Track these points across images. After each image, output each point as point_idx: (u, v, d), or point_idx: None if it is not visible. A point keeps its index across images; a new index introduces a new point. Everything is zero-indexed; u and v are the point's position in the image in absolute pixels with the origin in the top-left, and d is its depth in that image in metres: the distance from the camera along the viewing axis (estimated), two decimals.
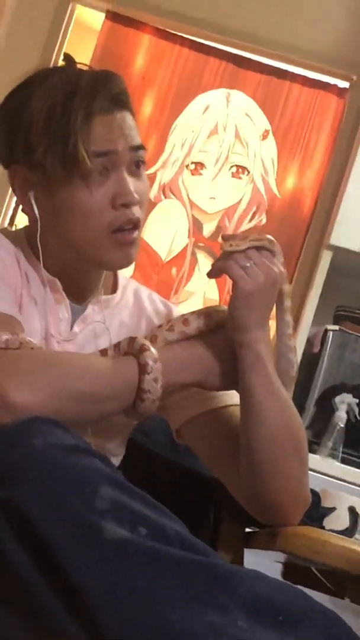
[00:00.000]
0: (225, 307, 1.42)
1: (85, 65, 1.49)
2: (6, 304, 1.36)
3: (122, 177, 1.40)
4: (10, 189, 3.90)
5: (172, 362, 1.37)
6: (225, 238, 1.38)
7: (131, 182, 1.41)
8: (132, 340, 1.37)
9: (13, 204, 3.87)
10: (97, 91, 1.39)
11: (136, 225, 1.42)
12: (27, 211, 1.46)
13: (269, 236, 1.41)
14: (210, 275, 1.42)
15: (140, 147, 1.44)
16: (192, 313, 1.45)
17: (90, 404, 1.30)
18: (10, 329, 1.30)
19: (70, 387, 1.27)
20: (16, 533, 1.01)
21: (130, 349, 1.36)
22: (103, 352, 1.39)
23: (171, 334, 1.42)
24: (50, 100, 1.39)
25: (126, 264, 1.47)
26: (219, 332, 1.42)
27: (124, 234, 1.41)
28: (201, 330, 1.43)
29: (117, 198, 1.40)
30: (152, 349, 1.34)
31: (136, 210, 1.42)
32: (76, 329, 1.49)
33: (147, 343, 1.35)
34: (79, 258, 1.45)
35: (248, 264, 1.36)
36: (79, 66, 1.48)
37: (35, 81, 1.44)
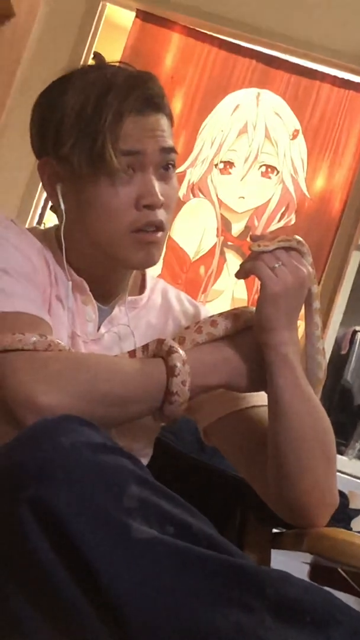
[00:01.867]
0: (253, 308, 1.41)
1: (125, 63, 1.48)
2: (34, 305, 1.36)
3: (148, 178, 1.40)
4: (40, 187, 3.91)
5: (200, 364, 1.36)
6: (254, 239, 1.38)
7: (157, 185, 1.41)
8: (160, 342, 1.36)
9: (42, 203, 3.88)
10: (131, 91, 1.39)
11: (159, 227, 1.42)
12: (54, 203, 1.47)
13: (298, 237, 1.40)
14: (238, 276, 1.42)
15: (171, 150, 1.43)
16: (220, 314, 1.44)
17: (118, 407, 1.29)
18: (38, 331, 1.30)
19: (98, 390, 1.27)
20: (44, 531, 1.01)
21: (158, 350, 1.35)
22: (131, 354, 1.39)
23: (199, 335, 1.41)
24: (84, 96, 1.39)
25: (148, 264, 1.46)
26: (247, 333, 1.41)
27: (145, 234, 1.41)
28: (229, 331, 1.42)
29: (141, 199, 1.40)
30: (180, 351, 1.33)
31: (160, 213, 1.41)
32: (103, 330, 1.49)
33: (175, 345, 1.35)
34: (103, 256, 1.45)
35: (276, 265, 1.35)
36: (118, 64, 1.48)
37: (73, 76, 1.44)
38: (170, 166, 1.44)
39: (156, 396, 1.32)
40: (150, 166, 1.41)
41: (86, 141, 1.37)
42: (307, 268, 1.39)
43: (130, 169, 1.39)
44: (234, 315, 1.44)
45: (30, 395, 1.21)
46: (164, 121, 1.43)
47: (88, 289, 1.47)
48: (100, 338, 1.49)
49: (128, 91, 1.39)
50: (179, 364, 1.32)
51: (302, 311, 1.44)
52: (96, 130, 1.37)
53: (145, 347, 1.38)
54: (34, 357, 1.26)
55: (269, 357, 1.37)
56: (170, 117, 1.46)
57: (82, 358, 1.36)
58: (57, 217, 1.48)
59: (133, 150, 1.39)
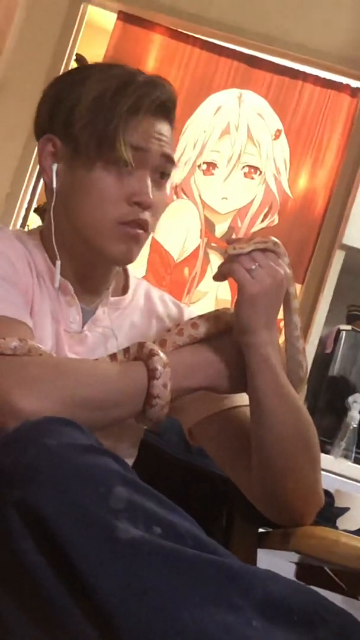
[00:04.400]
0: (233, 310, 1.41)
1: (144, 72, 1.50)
2: (16, 308, 1.36)
3: (145, 177, 1.42)
4: (24, 189, 3.90)
5: (181, 367, 1.37)
6: (230, 242, 1.38)
7: (151, 187, 1.42)
8: (141, 345, 1.36)
9: (26, 204, 3.88)
10: (151, 90, 1.42)
11: (143, 227, 1.43)
12: (47, 182, 1.48)
13: (274, 238, 1.41)
14: (216, 278, 1.42)
15: (171, 160, 1.46)
16: (201, 316, 1.44)
17: (99, 411, 1.29)
18: (19, 335, 1.30)
19: (79, 395, 1.26)
20: (30, 533, 1.01)
21: (139, 354, 1.35)
22: (113, 357, 1.39)
23: (180, 337, 1.41)
24: (105, 85, 1.42)
25: (126, 259, 1.47)
26: (228, 335, 1.41)
27: (129, 229, 1.42)
28: (210, 333, 1.42)
29: (134, 195, 1.41)
30: (161, 354, 1.34)
31: (147, 214, 1.43)
32: (86, 331, 1.49)
33: (156, 348, 1.35)
34: (84, 246, 1.45)
35: (253, 267, 1.36)
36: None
37: (95, 67, 1.49)
38: (165, 175, 1.47)
39: (137, 399, 1.32)
40: (149, 167, 1.43)
41: (99, 124, 1.39)
42: (284, 269, 1.39)
43: (131, 163, 1.40)
44: (214, 317, 1.44)
45: (10, 400, 1.21)
46: (168, 129, 1.47)
47: (72, 290, 1.47)
48: (85, 339, 1.49)
49: (147, 89, 1.42)
50: (159, 367, 1.32)
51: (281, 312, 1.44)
52: (111, 116, 1.39)
53: (126, 351, 1.38)
54: (14, 362, 1.26)
55: (249, 358, 1.37)
56: (173, 127, 1.50)
57: (62, 363, 1.36)
58: (46, 195, 1.49)
59: (139, 147, 1.41)
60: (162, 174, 1.46)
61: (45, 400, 1.22)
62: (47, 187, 1.49)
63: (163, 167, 1.45)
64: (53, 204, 1.46)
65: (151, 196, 1.42)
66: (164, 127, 1.45)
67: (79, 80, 1.45)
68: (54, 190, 1.46)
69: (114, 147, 1.38)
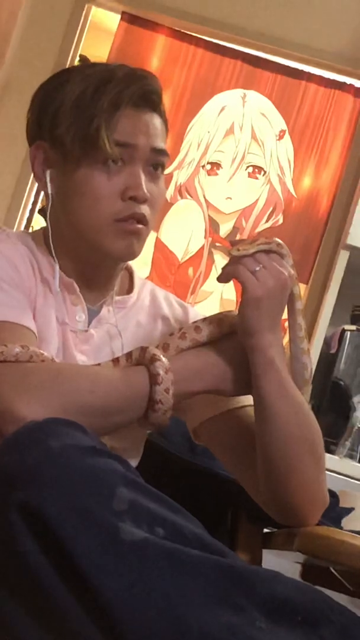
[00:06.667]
0: (237, 312, 1.41)
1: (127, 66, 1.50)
2: (18, 312, 1.37)
3: (136, 172, 1.42)
4: (28, 191, 3.89)
5: (185, 371, 1.36)
6: (233, 243, 1.38)
7: (145, 181, 1.42)
8: (143, 350, 1.36)
9: (30, 206, 3.88)
10: (130, 83, 1.42)
11: (141, 221, 1.43)
12: (42, 189, 1.49)
13: (277, 239, 1.40)
14: (220, 280, 1.42)
15: (162, 152, 1.46)
16: (204, 320, 1.44)
17: (101, 417, 1.29)
18: (21, 340, 1.30)
19: (80, 402, 1.26)
20: (34, 535, 1.01)
21: (141, 358, 1.35)
22: (115, 362, 1.39)
23: (183, 341, 1.41)
24: (84, 84, 1.42)
25: (128, 255, 1.47)
26: (231, 338, 1.41)
27: (127, 224, 1.42)
28: (213, 336, 1.42)
29: (128, 190, 1.41)
30: (164, 359, 1.33)
31: (144, 208, 1.43)
32: (92, 330, 1.49)
33: (159, 353, 1.34)
34: (85, 247, 1.46)
35: (257, 268, 1.35)
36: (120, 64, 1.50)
37: (75, 69, 1.49)
38: (159, 167, 1.47)
39: (139, 405, 1.32)
40: (140, 161, 1.43)
41: (81, 124, 1.39)
42: (288, 270, 1.39)
43: (120, 160, 1.40)
44: (217, 320, 1.44)
45: (12, 408, 1.21)
46: (157, 121, 1.46)
47: (78, 289, 1.47)
48: (90, 338, 1.49)
49: (127, 83, 1.42)
50: (161, 372, 1.32)
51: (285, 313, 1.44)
52: (92, 114, 1.39)
53: (129, 355, 1.38)
54: (16, 369, 1.27)
55: (253, 360, 1.37)
56: (164, 119, 1.48)
57: (64, 370, 1.35)
58: (44, 215, 1.50)
59: (125, 143, 1.41)
60: (155, 166, 1.46)
61: (47, 408, 1.21)
62: (44, 193, 1.49)
63: (154, 160, 1.45)
64: (50, 209, 1.46)
65: (145, 189, 1.42)
66: (151, 119, 1.45)
67: (60, 84, 1.45)
68: (51, 196, 1.46)
69: (99, 145, 1.38)
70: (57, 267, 1.46)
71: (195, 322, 1.44)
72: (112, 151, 1.39)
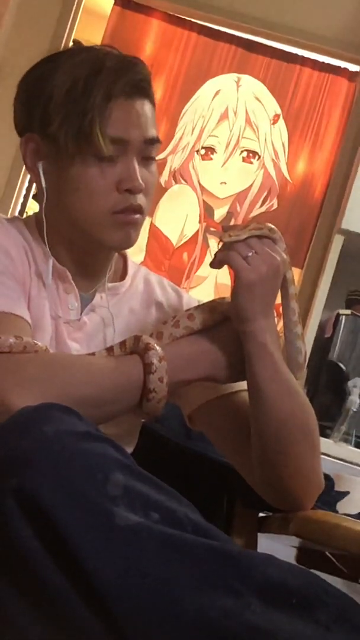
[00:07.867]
0: (230, 299, 1.41)
1: (111, 47, 1.48)
2: (11, 301, 1.36)
3: (131, 164, 1.41)
4: (22, 176, 3.88)
5: (179, 359, 1.36)
6: (225, 229, 1.38)
7: (139, 170, 1.41)
8: (137, 338, 1.35)
9: (24, 192, 3.87)
10: (121, 73, 1.40)
11: (137, 211, 1.42)
12: (35, 181, 1.48)
13: (269, 224, 1.40)
14: (212, 266, 1.41)
15: (154, 141, 1.44)
16: (197, 307, 1.44)
17: (95, 408, 1.29)
18: (14, 330, 1.30)
19: (75, 393, 1.26)
20: (28, 520, 1.01)
21: (135, 347, 1.35)
22: (109, 350, 1.39)
23: (177, 330, 1.40)
24: (74, 75, 1.39)
25: (126, 244, 1.46)
26: (225, 324, 1.41)
27: (124, 216, 1.42)
28: (207, 324, 1.42)
29: (123, 182, 1.40)
30: (157, 348, 1.33)
31: (140, 198, 1.42)
32: (85, 318, 1.49)
33: (152, 341, 1.34)
34: (80, 236, 1.45)
35: (250, 254, 1.35)
36: (107, 48, 1.48)
37: (62, 56, 1.45)
38: (151, 156, 1.45)
39: (133, 394, 1.32)
40: (133, 152, 1.41)
41: (74, 120, 1.38)
42: (281, 255, 1.38)
43: (115, 153, 1.40)
44: (210, 307, 1.43)
45: (5, 400, 1.21)
46: (148, 107, 1.44)
47: (70, 277, 1.47)
48: (83, 325, 1.49)
49: (118, 74, 1.40)
50: (155, 361, 1.31)
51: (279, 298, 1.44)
52: (85, 109, 1.37)
53: (122, 344, 1.38)
54: (10, 360, 1.26)
55: (247, 345, 1.37)
56: (153, 103, 1.47)
57: (57, 360, 1.35)
58: (38, 201, 1.49)
59: (119, 138, 1.39)
60: (147, 156, 1.45)
61: (41, 399, 1.20)
62: (37, 192, 1.48)
63: (148, 151, 1.44)
64: (45, 201, 1.45)
65: (140, 180, 1.41)
66: (142, 107, 1.43)
67: (48, 72, 1.43)
68: (44, 188, 1.45)
69: (93, 142, 1.37)
70: (51, 262, 1.45)
71: (188, 310, 1.44)
72: (106, 148, 1.38)
